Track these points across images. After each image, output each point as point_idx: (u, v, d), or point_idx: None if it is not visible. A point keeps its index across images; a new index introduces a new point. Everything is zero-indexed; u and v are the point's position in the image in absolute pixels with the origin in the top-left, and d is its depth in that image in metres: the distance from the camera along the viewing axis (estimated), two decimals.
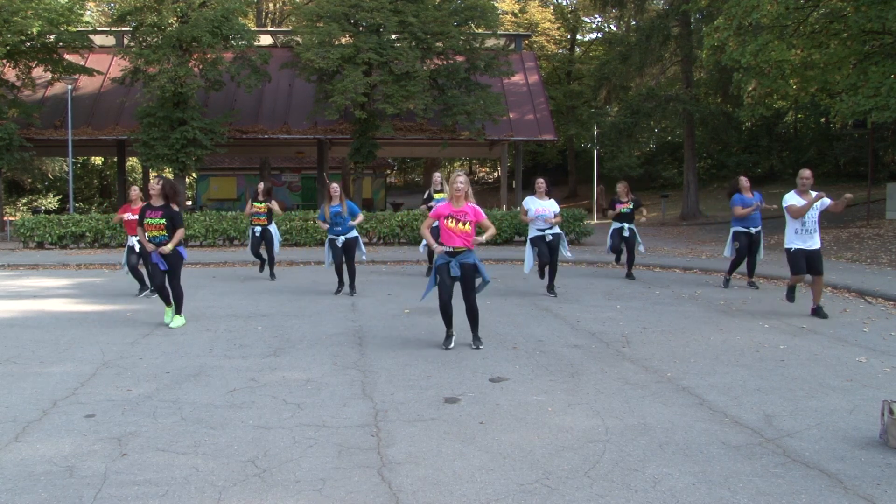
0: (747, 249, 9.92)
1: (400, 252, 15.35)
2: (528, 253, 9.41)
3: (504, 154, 25.54)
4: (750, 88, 20.06)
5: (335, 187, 9.64)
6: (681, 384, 5.28)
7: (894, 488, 3.49)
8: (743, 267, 10.25)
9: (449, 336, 6.55)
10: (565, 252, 9.77)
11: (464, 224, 6.34)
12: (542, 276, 9.74)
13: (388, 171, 40.96)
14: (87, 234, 16.99)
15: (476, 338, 6.55)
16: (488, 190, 43.83)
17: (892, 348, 6.43)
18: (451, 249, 6.34)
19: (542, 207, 9.36)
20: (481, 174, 51.99)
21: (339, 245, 9.57)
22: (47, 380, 5.47)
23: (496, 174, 46.71)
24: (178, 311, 7.66)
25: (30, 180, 34.80)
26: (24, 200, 34.71)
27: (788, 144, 32.21)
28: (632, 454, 3.92)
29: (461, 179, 6.41)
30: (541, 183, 9.52)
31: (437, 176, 10.95)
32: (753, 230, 9.88)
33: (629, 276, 11.25)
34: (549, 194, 9.57)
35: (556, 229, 9.45)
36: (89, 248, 16.89)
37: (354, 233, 9.76)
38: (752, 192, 10.00)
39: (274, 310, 8.57)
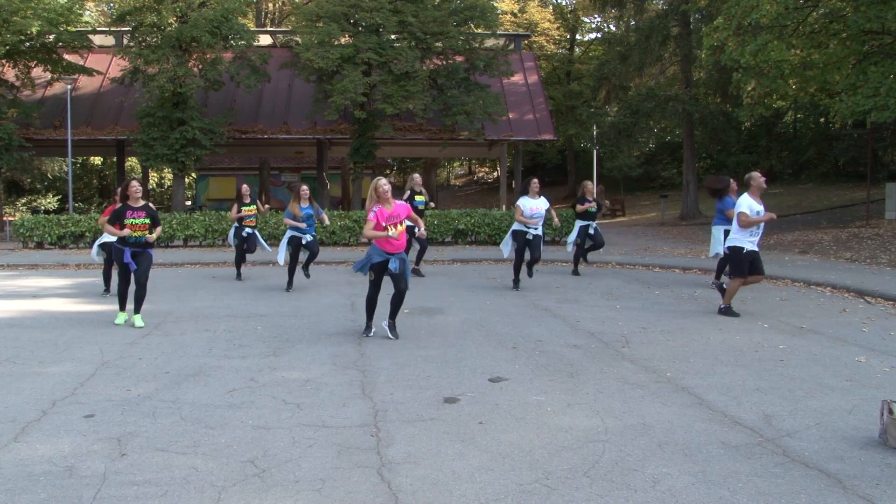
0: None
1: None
2: (509, 241, 10.07)
3: (503, 154, 25.55)
4: (749, 88, 20.07)
5: (305, 189, 10.05)
6: (680, 384, 5.29)
7: (894, 488, 3.49)
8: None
9: (370, 328, 7.06)
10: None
11: (398, 226, 6.73)
12: (518, 271, 10.15)
13: (388, 171, 40.94)
14: (87, 234, 16.99)
15: (393, 325, 6.97)
16: (488, 190, 43.88)
17: (891, 348, 6.43)
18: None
19: (535, 206, 9.85)
20: (481, 174, 52.01)
21: (304, 243, 9.92)
22: (46, 380, 5.46)
23: (495, 174, 46.72)
24: (137, 311, 7.68)
25: (29, 180, 34.80)
26: (23, 200, 34.71)
27: (788, 144, 32.24)
28: (631, 454, 3.92)
29: (383, 181, 6.72)
30: (535, 183, 10.03)
31: (416, 176, 11.28)
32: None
33: (584, 259, 12.18)
34: (540, 194, 10.07)
35: (540, 231, 9.92)
36: (88, 248, 16.85)
37: (313, 233, 10.13)
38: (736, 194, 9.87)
39: (273, 310, 8.57)
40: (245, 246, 11.21)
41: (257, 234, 11.38)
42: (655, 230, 22.41)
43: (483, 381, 5.38)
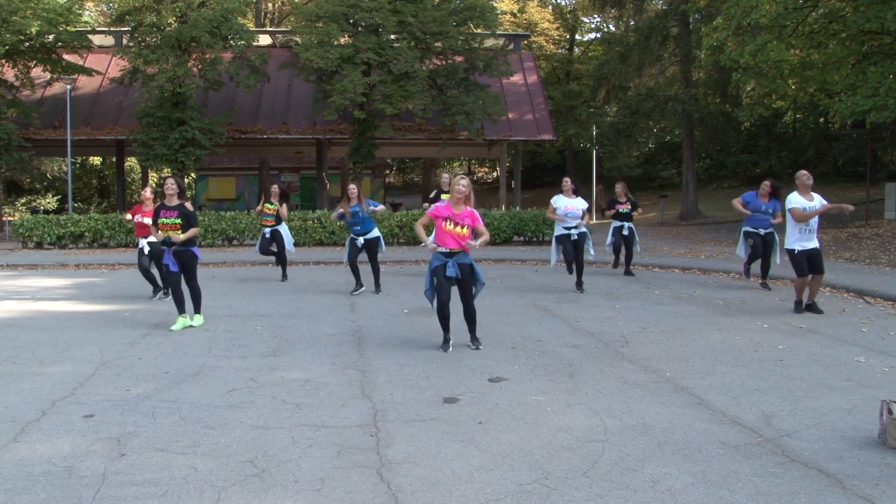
0: (762, 247, 9.86)
1: (399, 252, 15.34)
2: (554, 249, 9.88)
3: (503, 154, 25.54)
4: (749, 88, 20.10)
5: (353, 188, 9.77)
6: (680, 384, 5.29)
7: (893, 488, 3.49)
8: (756, 268, 10.19)
9: (446, 340, 6.48)
10: (590, 252, 10.13)
11: (461, 227, 6.27)
12: (570, 271, 9.97)
13: (387, 172, 40.99)
14: (86, 234, 16.98)
15: (474, 338, 6.53)
16: (487, 190, 43.86)
17: (890, 348, 6.43)
18: (448, 251, 6.28)
19: (571, 205, 9.67)
20: (480, 174, 52.00)
21: (360, 245, 9.70)
22: (46, 380, 5.46)
23: (495, 174, 46.72)
24: (196, 310, 7.69)
25: (28, 180, 34.77)
26: (22, 200, 34.68)
27: (787, 144, 32.23)
28: (631, 454, 3.92)
29: (464, 183, 6.33)
30: (567, 181, 9.78)
31: (446, 176, 11.20)
32: (763, 231, 9.81)
33: (628, 272, 11.62)
34: (577, 193, 9.84)
35: (583, 228, 9.77)
36: (88, 248, 16.88)
37: (376, 233, 9.83)
38: (768, 197, 9.81)
39: (273, 310, 8.57)
40: (272, 247, 11.11)
41: (282, 232, 11.12)
42: (655, 230, 22.41)
43: (483, 381, 5.38)
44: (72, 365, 5.93)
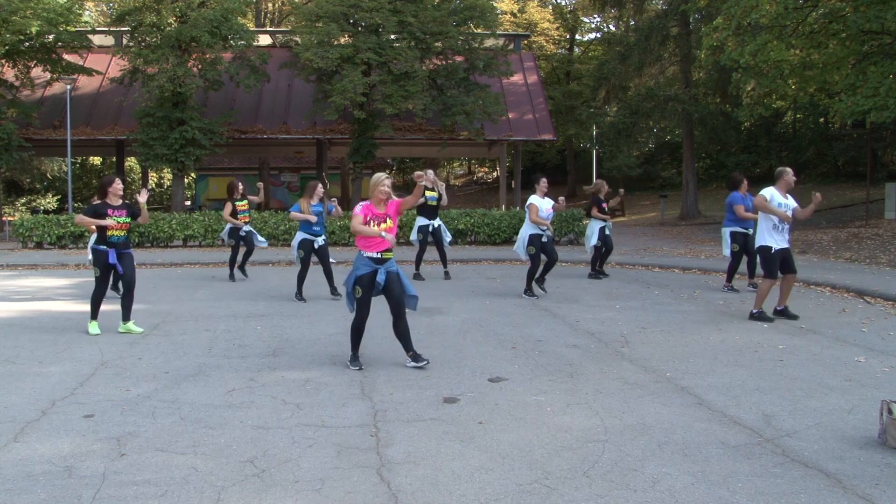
0: (744, 250, 9.78)
1: (398, 252, 15.30)
2: (522, 246, 9.44)
3: (503, 154, 25.55)
4: (749, 88, 20.10)
5: (320, 188, 9.53)
6: (680, 384, 5.29)
7: (893, 488, 3.50)
8: (744, 267, 10.10)
9: (356, 358, 5.86)
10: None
11: (387, 221, 5.75)
12: (533, 276, 9.50)
13: (388, 171, 40.98)
14: (86, 234, 16.97)
15: (416, 355, 5.80)
16: (487, 190, 43.88)
17: (890, 348, 6.43)
18: (377, 255, 5.73)
19: (548, 207, 9.44)
20: (480, 174, 52.01)
21: (317, 247, 9.31)
22: (46, 380, 5.46)
23: (495, 174, 46.72)
24: (129, 317, 7.30)
25: (28, 180, 34.78)
26: (22, 200, 34.71)
27: (787, 144, 32.24)
28: (631, 454, 3.92)
29: (387, 183, 5.80)
30: (544, 182, 9.52)
31: (430, 172, 10.62)
32: (752, 230, 9.75)
33: (602, 272, 11.41)
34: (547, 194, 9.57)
35: (551, 232, 9.66)
36: (88, 248, 16.88)
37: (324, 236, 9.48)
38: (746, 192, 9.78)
39: (272, 310, 8.57)
40: (243, 244, 11.12)
41: (253, 230, 11.23)
42: (655, 230, 22.41)
43: (483, 381, 5.38)
44: (72, 365, 5.93)
